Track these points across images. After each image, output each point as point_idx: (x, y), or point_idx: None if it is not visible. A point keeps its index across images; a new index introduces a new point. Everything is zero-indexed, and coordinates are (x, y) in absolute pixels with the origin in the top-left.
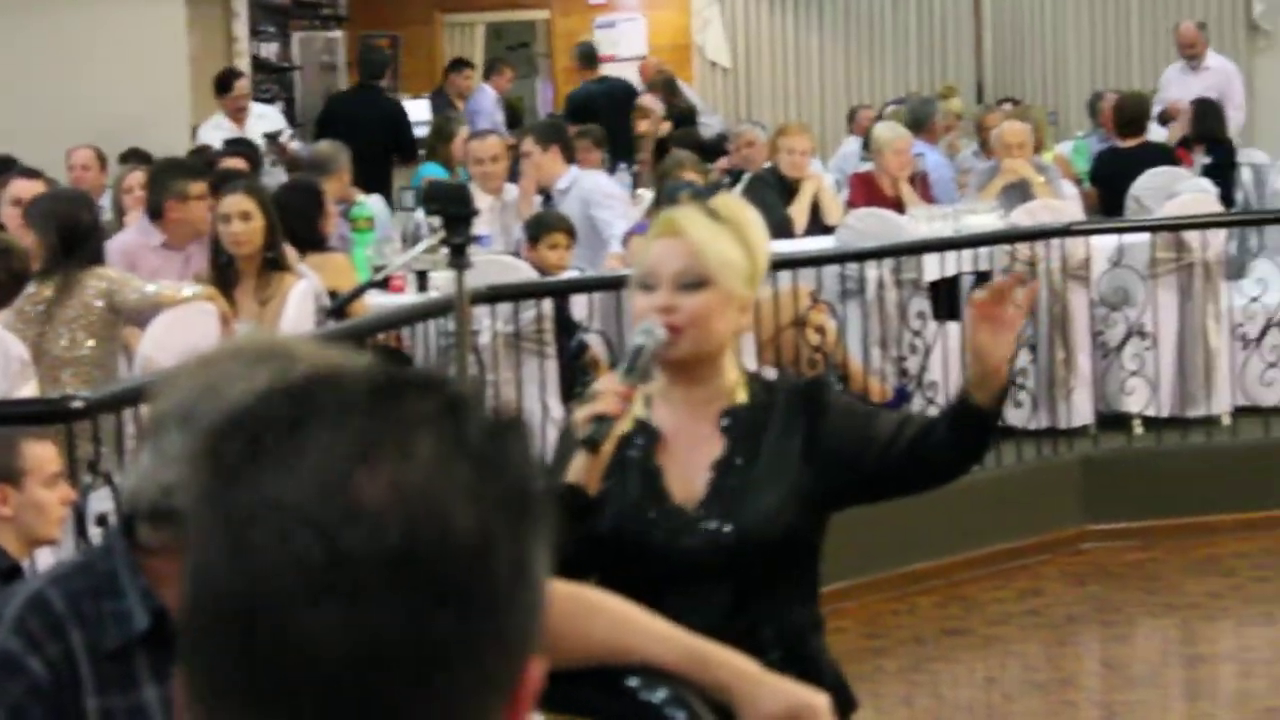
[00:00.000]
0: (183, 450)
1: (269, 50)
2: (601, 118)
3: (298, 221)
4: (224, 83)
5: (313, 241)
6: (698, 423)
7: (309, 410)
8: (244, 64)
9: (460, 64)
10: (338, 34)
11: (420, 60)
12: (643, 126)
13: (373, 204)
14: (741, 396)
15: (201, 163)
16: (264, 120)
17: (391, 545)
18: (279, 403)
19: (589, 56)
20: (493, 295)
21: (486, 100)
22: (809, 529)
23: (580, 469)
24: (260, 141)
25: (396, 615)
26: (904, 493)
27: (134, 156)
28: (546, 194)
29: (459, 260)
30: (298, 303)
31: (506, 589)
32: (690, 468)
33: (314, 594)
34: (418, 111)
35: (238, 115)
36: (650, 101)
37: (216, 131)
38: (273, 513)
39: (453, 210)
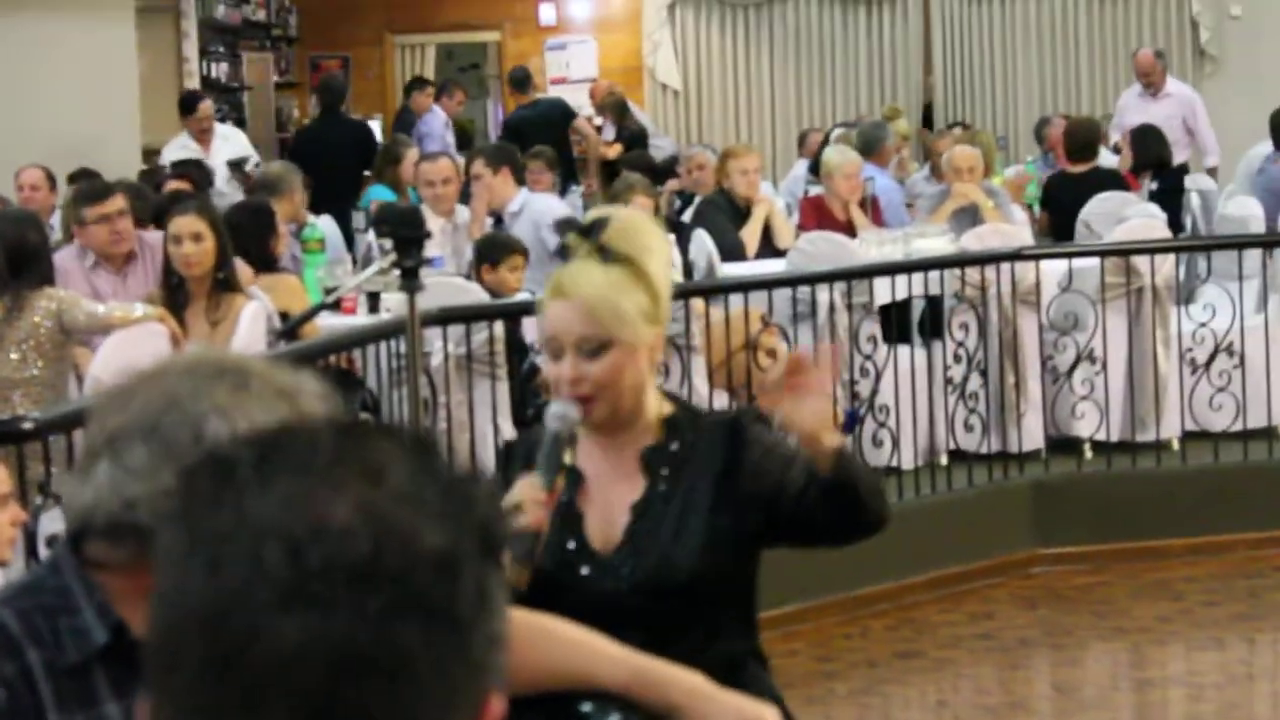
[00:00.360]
0: (148, 464)
1: (219, 70)
2: (536, 141)
3: (249, 242)
4: (187, 104)
5: (264, 262)
6: (620, 465)
7: (279, 446)
8: (194, 84)
9: (422, 82)
10: (269, 55)
11: (371, 81)
12: (581, 148)
13: (324, 225)
14: (663, 434)
15: (151, 184)
16: (229, 143)
17: (359, 557)
18: (249, 442)
19: (521, 81)
20: (444, 317)
21: (437, 122)
22: (731, 566)
23: (510, 575)
24: (223, 166)
25: (364, 624)
26: (820, 543)
27: (84, 176)
28: (497, 216)
29: (411, 283)
30: (249, 324)
31: (471, 610)
32: (611, 510)
33: (284, 603)
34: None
35: (202, 137)
36: (584, 124)
37: (182, 152)
38: (244, 532)
39: (404, 233)
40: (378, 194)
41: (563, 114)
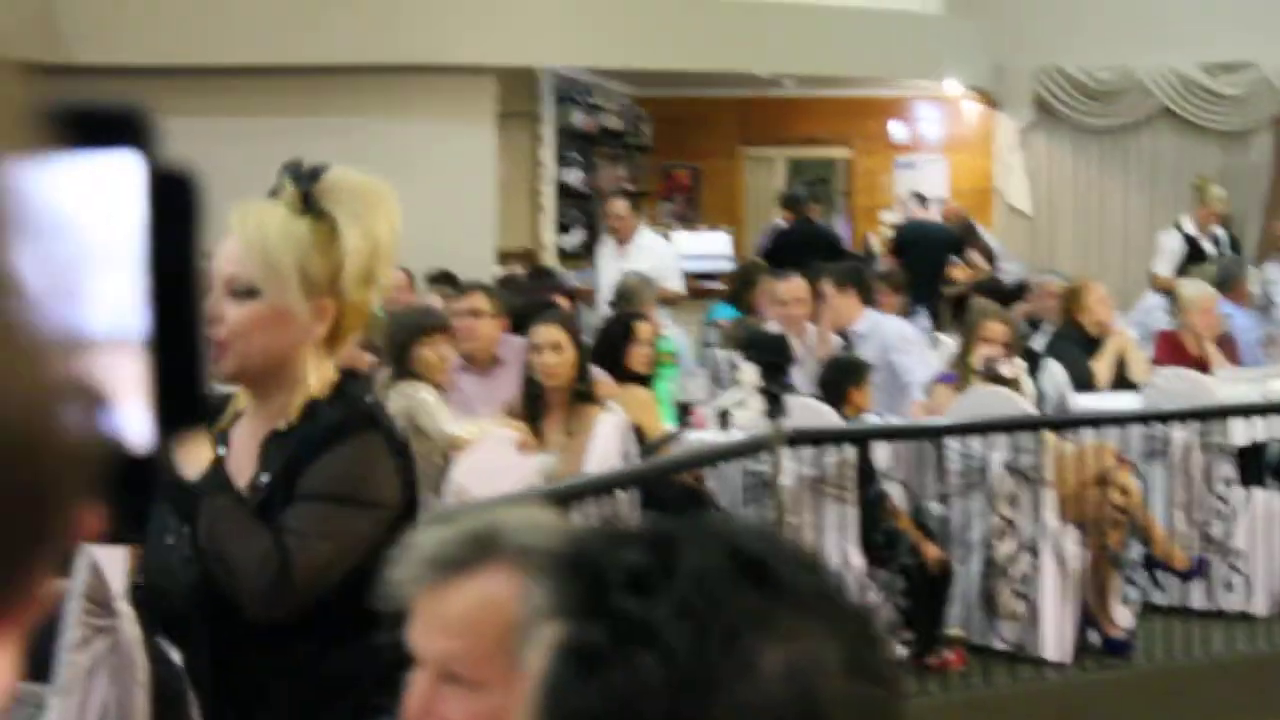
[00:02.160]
0: None
1: (573, 177)
2: (924, 255)
3: (607, 353)
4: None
5: (620, 374)
6: (252, 443)
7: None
8: (549, 190)
9: (794, 199)
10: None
11: (720, 193)
12: (958, 274)
13: (676, 337)
14: (298, 419)
15: (508, 292)
16: (647, 253)
17: None
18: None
19: (923, 198)
20: (796, 438)
21: None
22: None
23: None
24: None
25: None
26: None
27: (442, 278)
28: (843, 335)
29: (776, 408)
30: (605, 436)
31: None
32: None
33: None
34: (716, 244)
35: (617, 237)
36: (978, 257)
37: (603, 249)
38: None
39: (772, 359)
40: (723, 312)
41: (948, 238)
